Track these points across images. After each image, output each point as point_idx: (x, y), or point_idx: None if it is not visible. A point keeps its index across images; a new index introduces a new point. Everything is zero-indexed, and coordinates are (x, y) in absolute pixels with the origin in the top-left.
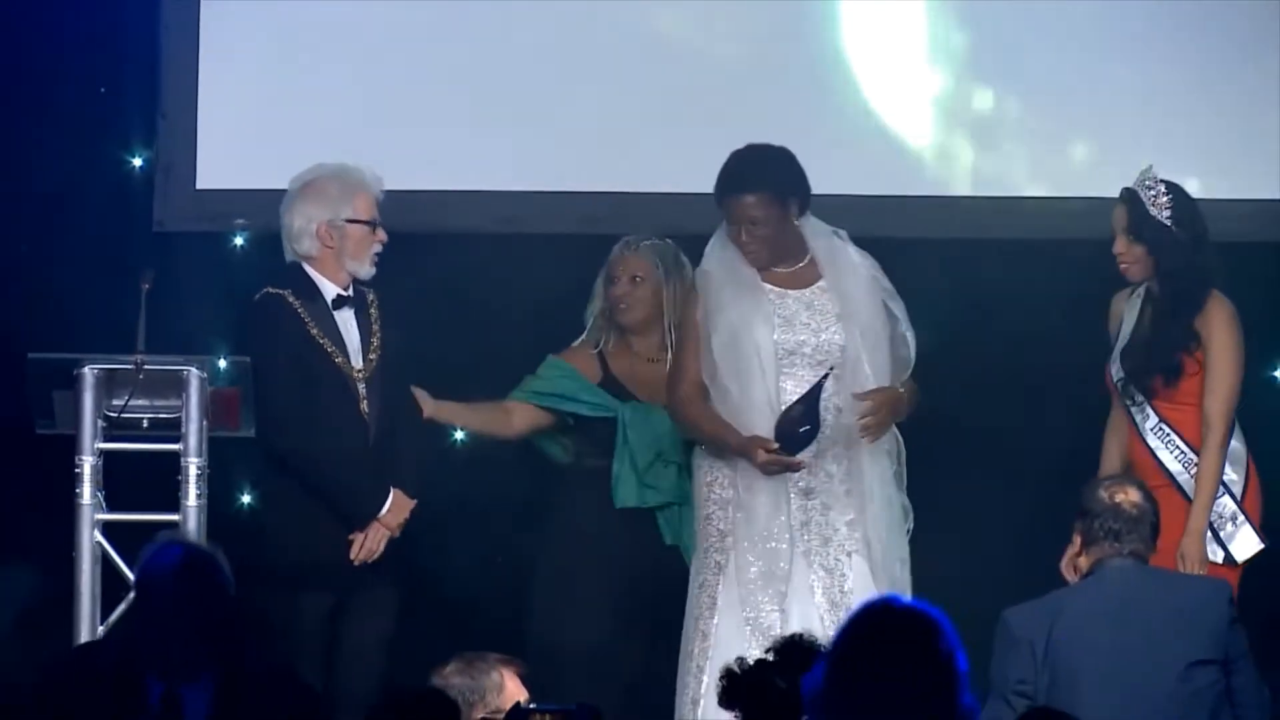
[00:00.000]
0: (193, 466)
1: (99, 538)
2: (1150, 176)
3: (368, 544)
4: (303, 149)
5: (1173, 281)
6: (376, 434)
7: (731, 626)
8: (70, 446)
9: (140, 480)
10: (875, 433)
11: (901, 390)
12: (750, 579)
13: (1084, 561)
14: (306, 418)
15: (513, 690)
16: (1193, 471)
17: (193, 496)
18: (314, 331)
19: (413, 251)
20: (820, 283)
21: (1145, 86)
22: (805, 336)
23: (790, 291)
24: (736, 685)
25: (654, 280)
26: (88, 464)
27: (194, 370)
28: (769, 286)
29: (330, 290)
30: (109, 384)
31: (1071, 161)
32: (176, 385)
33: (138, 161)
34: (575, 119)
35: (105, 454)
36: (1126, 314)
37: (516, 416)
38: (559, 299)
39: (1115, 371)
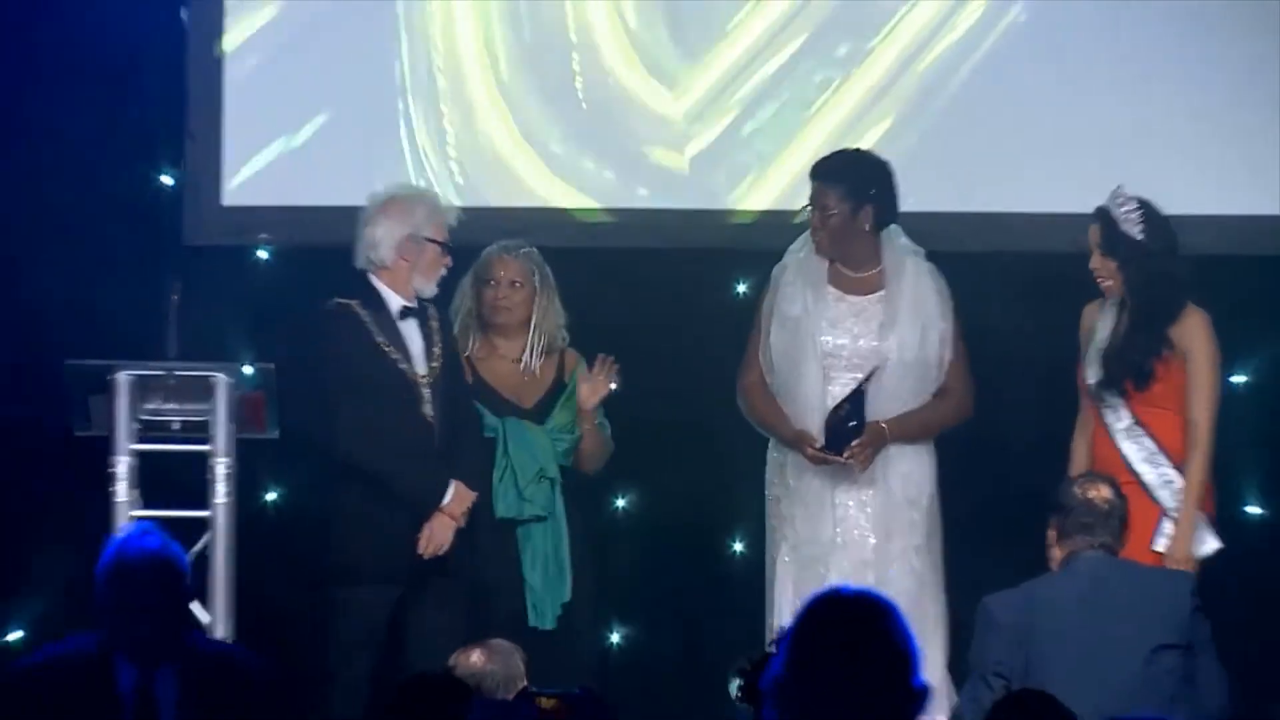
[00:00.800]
0: (221, 466)
1: None
2: (1121, 194)
3: (435, 536)
4: (319, 170)
5: (1146, 293)
6: (441, 433)
7: (785, 604)
8: (106, 448)
9: (171, 479)
10: (862, 465)
11: (883, 426)
12: (800, 559)
13: (1058, 553)
14: (372, 420)
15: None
16: (1160, 470)
17: (221, 494)
18: (379, 340)
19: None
20: (879, 293)
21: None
22: (845, 341)
23: (848, 296)
24: (752, 681)
25: (530, 285)
26: (122, 464)
27: (222, 376)
28: (831, 289)
29: (396, 301)
30: (142, 389)
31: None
32: (205, 390)
33: (167, 181)
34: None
35: (138, 454)
36: (1100, 322)
37: None
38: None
39: (1090, 375)
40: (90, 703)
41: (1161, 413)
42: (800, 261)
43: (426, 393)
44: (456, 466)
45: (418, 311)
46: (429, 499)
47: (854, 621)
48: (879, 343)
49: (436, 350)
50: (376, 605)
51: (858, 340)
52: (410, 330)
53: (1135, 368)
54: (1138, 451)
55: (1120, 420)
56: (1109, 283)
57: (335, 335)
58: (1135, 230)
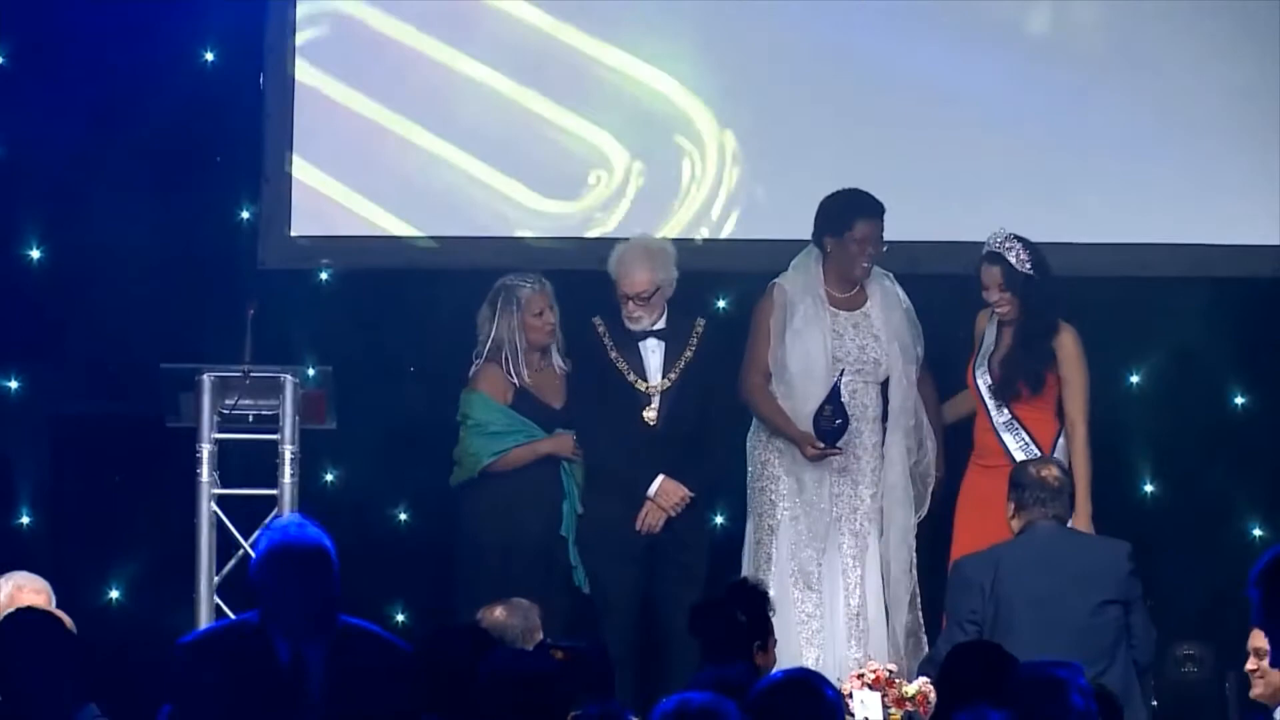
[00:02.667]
0: (288, 452)
1: (215, 508)
2: (1003, 235)
3: (647, 519)
4: (372, 206)
5: (1037, 315)
6: (665, 436)
7: (782, 576)
8: (193, 437)
9: (247, 463)
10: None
11: None
12: (801, 534)
13: (1016, 523)
14: (596, 419)
15: (503, 620)
16: (1031, 456)
17: (288, 476)
18: (613, 355)
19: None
20: (865, 307)
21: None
22: (851, 348)
23: (843, 312)
24: (700, 617)
25: (554, 310)
26: (206, 450)
27: (289, 377)
28: (829, 307)
29: (642, 324)
30: (222, 388)
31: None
32: (275, 388)
33: (246, 214)
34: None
35: (219, 442)
36: (987, 331)
37: None
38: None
39: (980, 375)
40: (252, 671)
41: (1034, 412)
42: (804, 280)
43: (655, 400)
44: (673, 467)
45: (666, 333)
46: (639, 491)
47: None
48: (877, 351)
49: (679, 367)
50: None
51: (863, 350)
52: (651, 348)
53: (1033, 374)
54: (1015, 442)
55: (1001, 415)
56: (1006, 309)
57: (578, 348)
58: (1026, 267)
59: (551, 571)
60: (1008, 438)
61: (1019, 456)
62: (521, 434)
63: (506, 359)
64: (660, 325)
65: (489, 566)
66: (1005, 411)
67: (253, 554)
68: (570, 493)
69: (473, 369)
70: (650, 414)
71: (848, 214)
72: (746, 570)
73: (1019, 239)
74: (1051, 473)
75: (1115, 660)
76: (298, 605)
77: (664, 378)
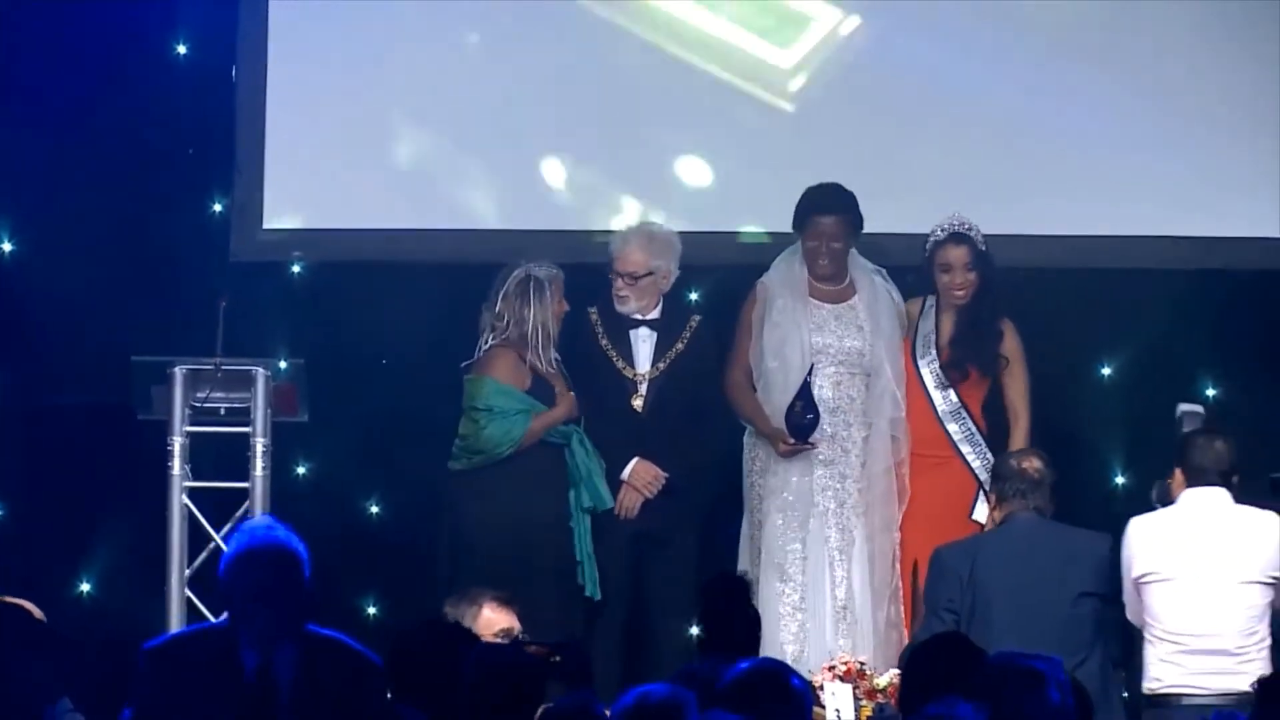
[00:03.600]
0: (259, 445)
1: (186, 501)
2: (959, 218)
3: (624, 503)
4: (345, 199)
5: (988, 298)
6: (652, 424)
7: (768, 570)
8: (164, 430)
9: (219, 456)
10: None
11: None
12: (788, 528)
13: (997, 514)
14: (585, 405)
15: (489, 617)
16: (977, 449)
17: (259, 468)
18: (603, 343)
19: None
20: (851, 300)
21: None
22: (831, 340)
23: (826, 305)
24: (711, 609)
25: None
26: (177, 443)
27: (261, 370)
28: (812, 300)
29: (629, 306)
30: (194, 380)
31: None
32: (247, 381)
33: (218, 207)
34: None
35: (191, 435)
36: (922, 321)
37: None
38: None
39: (924, 361)
40: (215, 679)
41: (978, 398)
42: (784, 275)
43: (643, 388)
44: (652, 450)
45: (659, 323)
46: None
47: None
48: (859, 342)
49: (669, 356)
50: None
51: (842, 340)
52: (642, 336)
53: (988, 355)
54: (959, 432)
55: (947, 402)
56: (969, 291)
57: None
58: (983, 247)
59: (546, 562)
60: (952, 426)
61: (965, 450)
62: (532, 413)
63: (532, 346)
64: (654, 316)
65: (480, 553)
66: (952, 397)
67: (225, 549)
68: (585, 479)
69: (480, 354)
70: (638, 401)
71: (804, 210)
72: (741, 564)
73: (970, 223)
74: (1033, 464)
75: (1094, 653)
76: (265, 612)
77: (653, 366)
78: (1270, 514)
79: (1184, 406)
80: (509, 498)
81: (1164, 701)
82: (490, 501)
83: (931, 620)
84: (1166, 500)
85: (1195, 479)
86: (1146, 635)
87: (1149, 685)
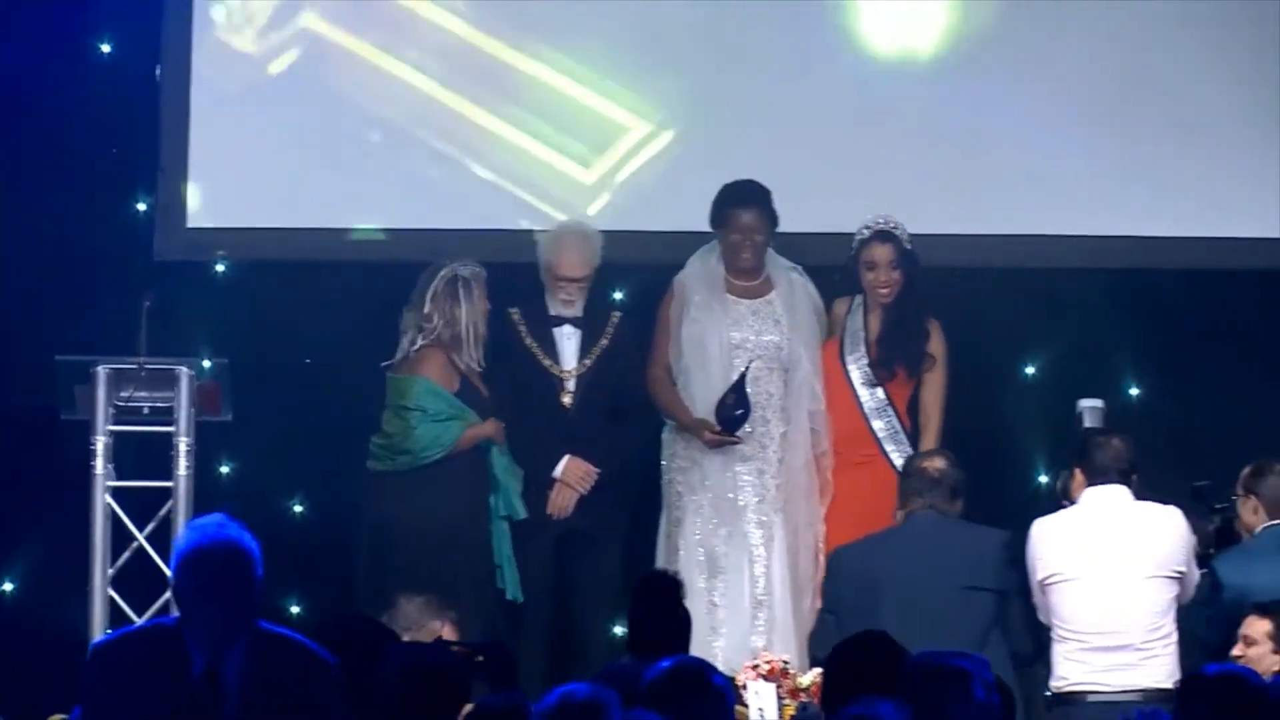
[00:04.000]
0: (183, 444)
1: (109, 500)
2: (884, 217)
3: (557, 500)
4: (269, 198)
5: (914, 295)
6: (581, 421)
7: (689, 565)
8: (88, 429)
9: (142, 455)
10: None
11: None
12: (708, 522)
13: (900, 514)
14: (513, 406)
15: (419, 619)
16: (901, 447)
17: (183, 468)
18: (528, 342)
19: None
20: (769, 295)
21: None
22: (749, 335)
23: (744, 300)
24: (641, 608)
25: None
26: (101, 442)
27: (184, 369)
28: (729, 296)
29: (554, 310)
30: (118, 380)
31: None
32: (170, 381)
33: (141, 206)
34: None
35: (114, 435)
36: (850, 319)
37: None
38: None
39: (852, 360)
40: (162, 678)
41: (904, 396)
42: (700, 271)
43: (570, 385)
44: (582, 447)
45: (583, 321)
46: (549, 473)
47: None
48: (777, 336)
49: (594, 353)
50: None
51: (760, 335)
52: (566, 335)
53: (915, 353)
54: (885, 429)
55: (874, 400)
56: (890, 290)
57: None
58: (908, 245)
59: (467, 565)
60: (878, 424)
61: (888, 444)
62: (463, 420)
63: (466, 345)
64: (577, 313)
65: (401, 556)
66: (880, 395)
67: (147, 545)
68: (503, 488)
69: (404, 355)
70: (566, 398)
71: (723, 205)
72: (659, 561)
73: (895, 222)
74: (933, 464)
75: (984, 649)
76: (213, 612)
77: (580, 362)
78: (1172, 508)
79: (1084, 402)
80: (431, 501)
81: (1070, 699)
82: (412, 505)
83: (823, 617)
84: (1067, 492)
85: (1095, 478)
86: (1054, 634)
87: (1055, 683)
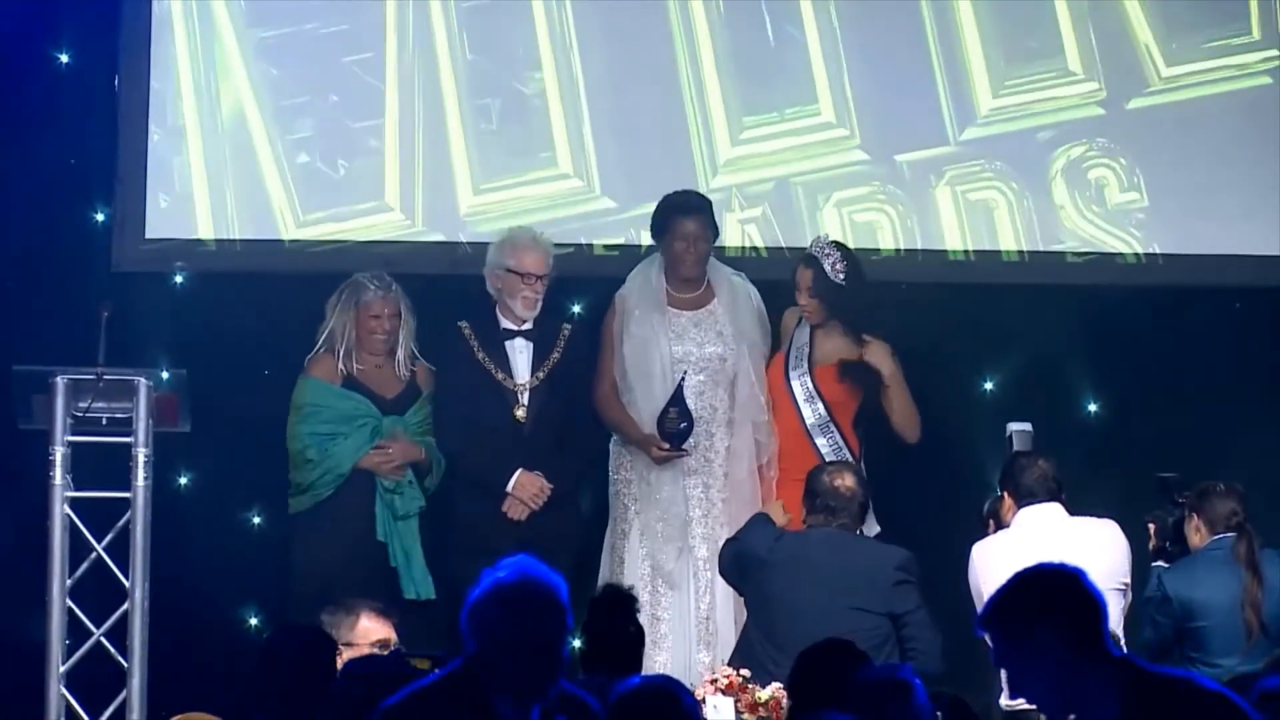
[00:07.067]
0: (141, 455)
1: (68, 511)
2: (823, 242)
3: (509, 514)
4: (227, 210)
5: (844, 316)
6: (534, 435)
7: (635, 577)
8: (45, 439)
9: (100, 466)
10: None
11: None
12: (656, 536)
13: (804, 524)
14: (465, 420)
15: (366, 626)
16: (841, 455)
17: (141, 478)
18: (480, 356)
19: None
20: (710, 306)
21: None
22: (691, 348)
23: (685, 312)
24: (596, 626)
25: (403, 316)
26: (59, 453)
27: (142, 380)
28: (670, 309)
29: (505, 323)
30: (76, 390)
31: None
32: (129, 391)
33: (100, 217)
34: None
35: (72, 445)
36: (797, 333)
37: None
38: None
39: (796, 375)
40: None
41: (849, 411)
42: (640, 286)
43: (524, 398)
44: (535, 461)
45: (534, 333)
46: (500, 488)
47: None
48: (720, 348)
49: (547, 365)
50: None
51: (702, 347)
52: (518, 347)
53: (856, 374)
54: (827, 446)
55: (816, 415)
56: (815, 314)
57: (443, 351)
58: (840, 278)
59: (376, 579)
60: (821, 441)
61: (828, 455)
62: (362, 418)
63: (338, 351)
64: (528, 326)
65: (316, 579)
66: (821, 411)
67: (106, 556)
68: (385, 495)
69: (308, 357)
70: (520, 411)
71: (666, 214)
72: (604, 575)
73: (839, 246)
74: (845, 482)
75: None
76: (535, 664)
77: (533, 375)
78: (1109, 521)
79: (1013, 426)
80: (329, 535)
81: (1022, 717)
82: (314, 543)
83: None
84: (998, 516)
85: (1024, 499)
86: None
87: (1005, 701)
